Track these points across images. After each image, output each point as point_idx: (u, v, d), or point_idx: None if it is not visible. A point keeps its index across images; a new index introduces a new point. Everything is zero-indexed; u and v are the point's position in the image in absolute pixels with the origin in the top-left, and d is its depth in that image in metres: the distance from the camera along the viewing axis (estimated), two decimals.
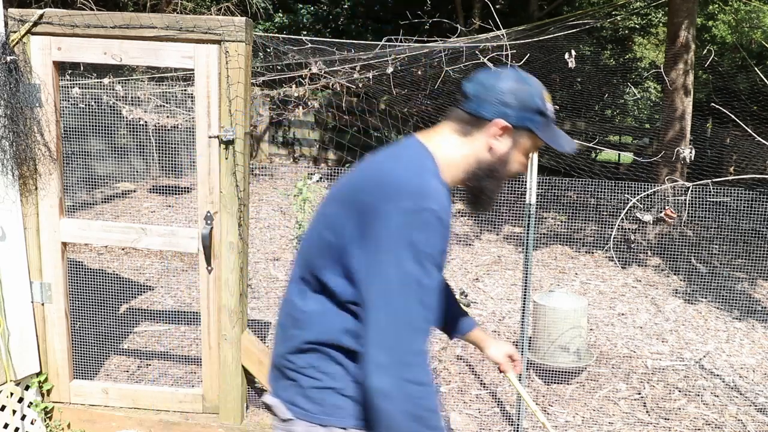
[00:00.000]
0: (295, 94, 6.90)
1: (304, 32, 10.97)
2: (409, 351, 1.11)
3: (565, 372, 3.53)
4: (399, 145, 1.33)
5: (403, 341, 1.11)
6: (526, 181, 2.86)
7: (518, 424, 2.94)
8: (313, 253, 1.29)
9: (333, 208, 1.28)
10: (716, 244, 6.29)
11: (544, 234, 6.77)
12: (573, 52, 4.12)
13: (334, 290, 1.23)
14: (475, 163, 1.32)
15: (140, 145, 6.20)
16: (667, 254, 6.07)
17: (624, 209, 3.70)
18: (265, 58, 5.94)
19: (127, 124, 5.55)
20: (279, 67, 6.20)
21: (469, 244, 6.15)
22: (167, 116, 5.53)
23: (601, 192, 5.64)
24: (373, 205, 1.17)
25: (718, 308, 4.90)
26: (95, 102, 4.94)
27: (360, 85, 6.12)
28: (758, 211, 4.91)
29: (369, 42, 5.73)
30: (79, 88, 4.88)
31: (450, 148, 1.32)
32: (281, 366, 1.34)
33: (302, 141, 10.98)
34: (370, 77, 5.95)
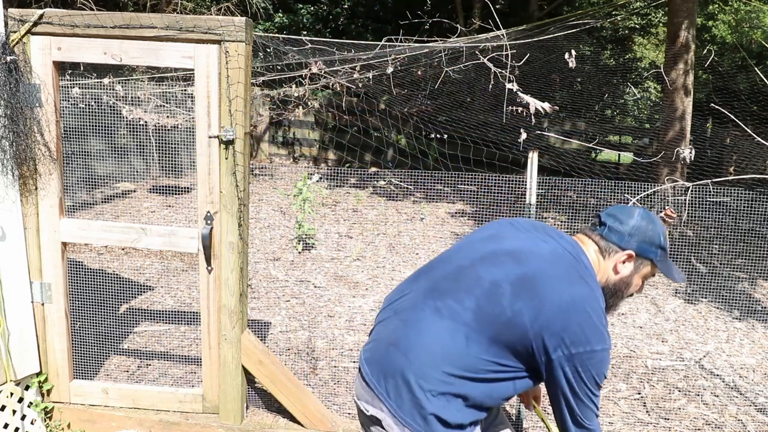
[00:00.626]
0: (295, 94, 6.90)
1: (304, 32, 10.97)
2: None
3: None
4: (578, 262, 1.58)
5: None
6: (526, 181, 2.86)
7: (518, 424, 2.94)
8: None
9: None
10: (716, 244, 6.29)
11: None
12: (573, 52, 4.12)
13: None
14: (605, 281, 1.64)
15: (140, 145, 6.20)
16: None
17: None
18: (265, 58, 5.94)
19: (127, 124, 5.56)
20: (279, 67, 6.20)
21: None
22: (167, 116, 5.53)
23: (601, 192, 5.64)
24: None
25: (718, 308, 4.90)
26: (95, 102, 4.95)
27: (360, 85, 6.12)
28: (758, 211, 4.91)
29: (369, 42, 5.73)
30: (79, 88, 4.89)
31: (597, 266, 1.64)
32: None
33: (302, 141, 10.98)
34: (370, 77, 5.95)
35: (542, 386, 1.82)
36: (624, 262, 1.62)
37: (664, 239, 1.63)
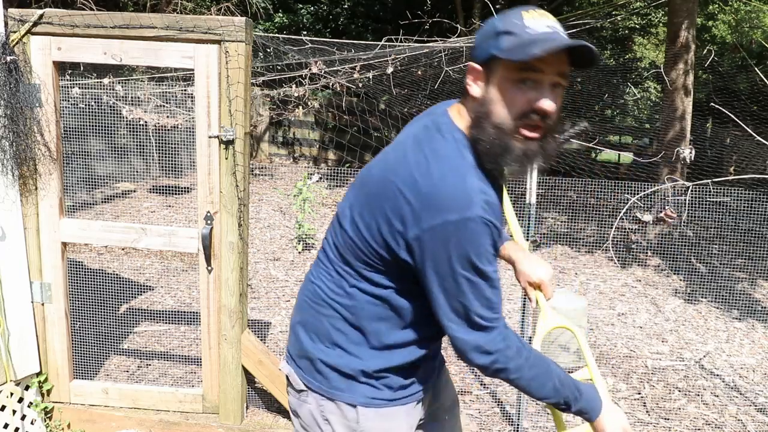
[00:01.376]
0: (295, 94, 6.90)
1: (304, 32, 10.97)
2: None
3: (565, 372, 3.53)
4: (432, 128, 1.25)
5: None
6: (526, 181, 2.86)
7: (518, 424, 2.94)
8: None
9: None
10: (716, 244, 6.29)
11: (544, 234, 6.76)
12: None
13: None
14: (469, 125, 1.23)
15: (140, 145, 6.20)
16: (667, 254, 6.07)
17: (624, 209, 3.70)
18: (265, 58, 5.94)
19: (127, 124, 5.56)
20: (279, 67, 6.20)
21: None
22: (167, 116, 5.53)
23: (601, 192, 5.65)
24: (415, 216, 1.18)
25: (718, 308, 4.90)
26: (95, 102, 4.95)
27: (360, 85, 6.12)
28: (758, 211, 4.91)
29: (369, 42, 5.73)
30: (79, 88, 4.88)
31: (459, 118, 1.25)
32: None
33: (302, 141, 10.98)
34: (370, 77, 5.95)
35: (536, 269, 1.50)
36: (471, 84, 1.22)
37: (507, 23, 1.16)
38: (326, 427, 1.37)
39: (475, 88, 1.21)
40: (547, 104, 1.14)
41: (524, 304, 2.95)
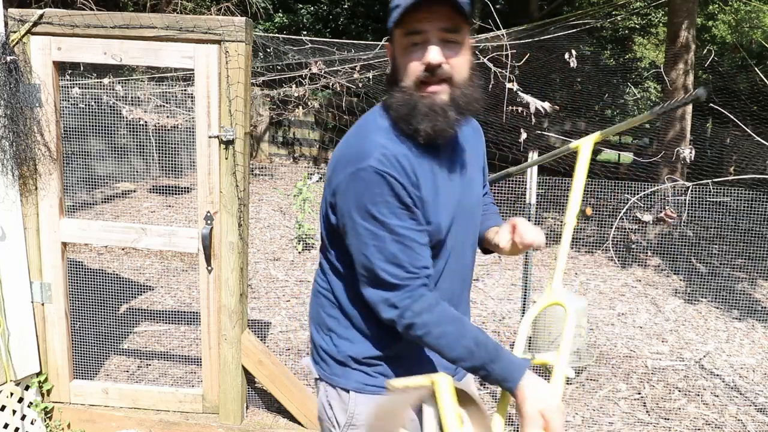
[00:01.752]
0: (295, 94, 6.90)
1: (304, 32, 10.96)
2: None
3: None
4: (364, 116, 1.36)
5: None
6: (526, 181, 2.86)
7: (518, 424, 2.94)
8: None
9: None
10: (716, 244, 6.29)
11: (544, 234, 6.76)
12: (573, 52, 4.12)
13: None
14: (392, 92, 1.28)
15: (140, 145, 6.20)
16: (667, 254, 6.07)
17: (624, 209, 3.71)
18: (265, 58, 5.94)
19: (127, 124, 5.56)
20: (279, 67, 6.20)
21: None
22: (167, 116, 5.53)
23: (601, 192, 5.65)
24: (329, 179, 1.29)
25: (718, 308, 4.90)
26: (95, 102, 4.94)
27: (360, 85, 6.12)
28: (758, 211, 4.91)
29: (369, 42, 5.73)
30: (79, 88, 4.89)
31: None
32: None
33: (302, 141, 10.98)
34: (370, 77, 5.95)
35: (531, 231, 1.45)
36: (389, 59, 1.31)
37: None
38: (330, 412, 1.41)
39: (390, 62, 1.29)
40: (432, 57, 1.18)
41: (524, 304, 2.95)
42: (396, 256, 1.20)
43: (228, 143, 2.43)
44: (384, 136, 1.24)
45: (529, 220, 2.86)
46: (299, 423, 2.77)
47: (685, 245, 5.87)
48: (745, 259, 6.09)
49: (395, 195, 1.19)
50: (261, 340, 3.06)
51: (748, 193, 4.93)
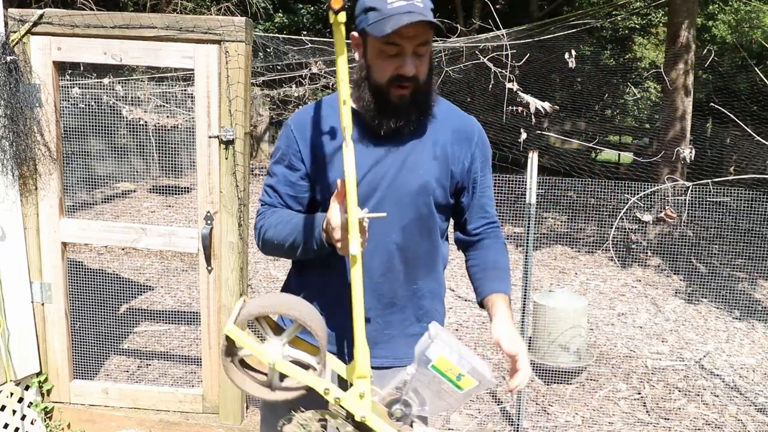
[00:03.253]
0: (295, 94, 6.90)
1: (304, 32, 10.96)
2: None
3: (565, 372, 3.53)
4: None
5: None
6: (526, 181, 2.86)
7: (518, 424, 2.94)
8: None
9: None
10: (716, 244, 6.29)
11: (544, 234, 6.77)
12: (573, 52, 4.12)
13: None
14: (353, 82, 1.41)
15: (140, 145, 6.20)
16: (668, 254, 6.08)
17: (624, 209, 3.70)
18: (265, 58, 5.94)
19: (127, 124, 5.55)
20: (279, 67, 6.20)
21: None
22: (167, 116, 5.53)
23: (601, 192, 5.65)
24: None
25: (718, 308, 4.90)
26: (95, 102, 4.94)
27: None
28: (758, 211, 4.91)
29: None
30: (79, 88, 4.89)
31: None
32: None
33: None
34: None
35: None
36: (354, 49, 1.41)
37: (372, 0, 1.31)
38: None
39: (357, 54, 1.40)
40: (408, 70, 1.31)
41: (524, 304, 2.95)
42: (266, 190, 1.48)
43: (228, 143, 2.43)
44: (324, 104, 1.46)
45: (529, 220, 2.86)
46: None
47: (685, 245, 5.87)
48: (745, 259, 6.09)
49: (286, 143, 1.45)
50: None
51: (748, 193, 4.93)
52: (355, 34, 1.39)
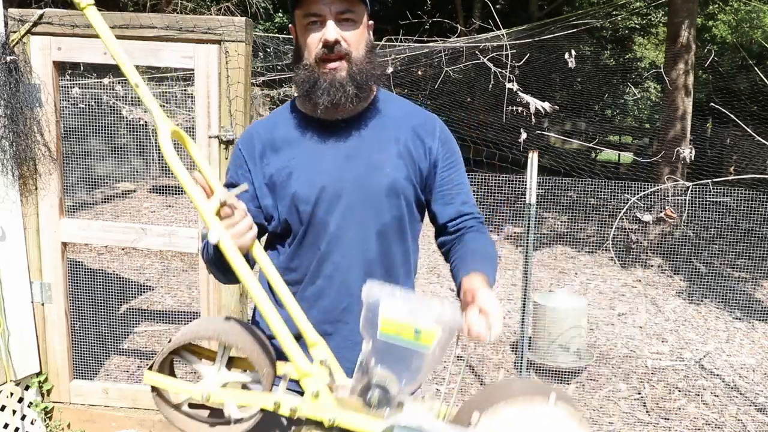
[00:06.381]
0: (295, 94, 6.89)
1: None
2: None
3: (565, 372, 3.53)
4: None
5: None
6: (526, 181, 2.86)
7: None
8: None
9: None
10: (717, 244, 6.29)
11: (544, 234, 6.77)
12: (573, 52, 4.12)
13: None
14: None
15: (140, 145, 6.19)
16: (668, 254, 6.07)
17: (624, 209, 3.70)
18: (265, 58, 5.94)
19: (127, 124, 5.55)
20: (279, 67, 6.20)
21: None
22: (167, 116, 5.52)
23: (602, 192, 5.65)
24: None
25: (718, 308, 4.90)
26: (95, 102, 4.94)
27: None
28: (758, 211, 4.91)
29: None
30: (79, 88, 4.89)
31: None
32: None
33: None
34: None
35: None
36: (292, 35, 1.41)
37: None
38: None
39: (294, 42, 1.37)
40: (329, 34, 1.26)
41: (524, 304, 2.95)
42: None
43: (228, 143, 2.43)
44: (273, 115, 1.45)
45: (529, 220, 2.86)
46: None
47: (685, 245, 5.87)
48: (745, 259, 6.09)
49: (235, 164, 1.41)
50: None
51: (748, 193, 4.93)
52: (290, 25, 1.38)
